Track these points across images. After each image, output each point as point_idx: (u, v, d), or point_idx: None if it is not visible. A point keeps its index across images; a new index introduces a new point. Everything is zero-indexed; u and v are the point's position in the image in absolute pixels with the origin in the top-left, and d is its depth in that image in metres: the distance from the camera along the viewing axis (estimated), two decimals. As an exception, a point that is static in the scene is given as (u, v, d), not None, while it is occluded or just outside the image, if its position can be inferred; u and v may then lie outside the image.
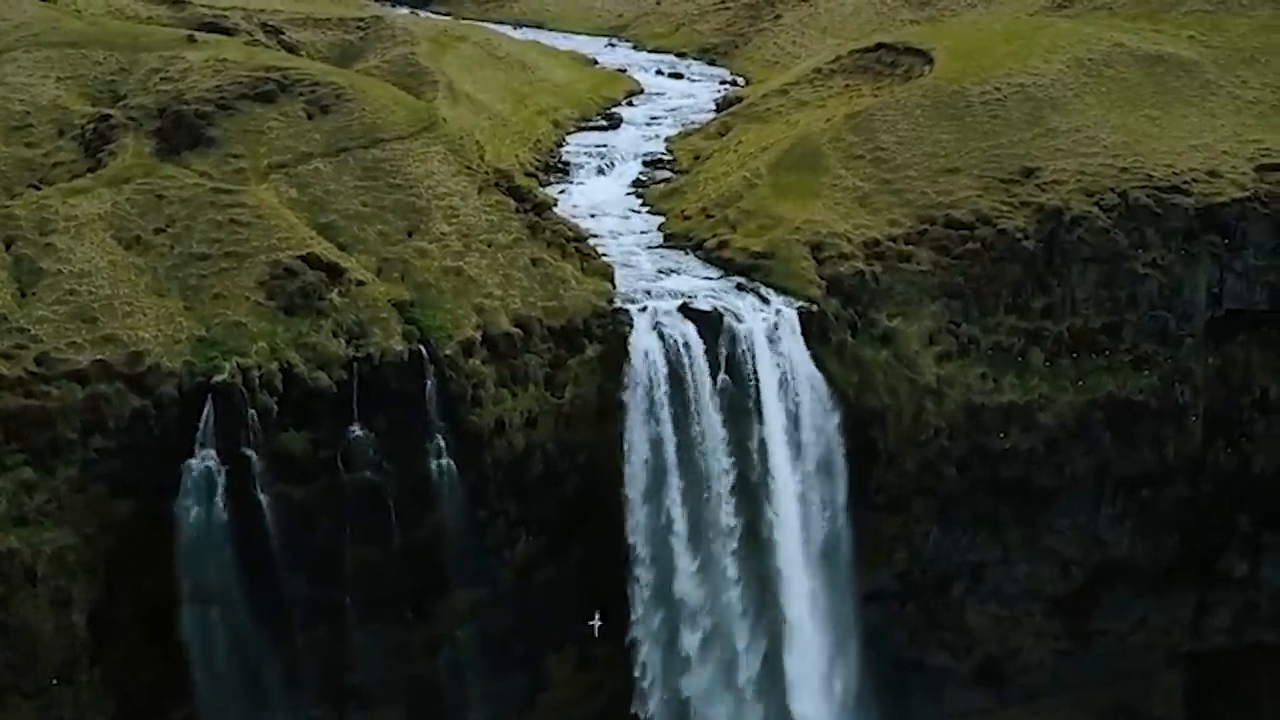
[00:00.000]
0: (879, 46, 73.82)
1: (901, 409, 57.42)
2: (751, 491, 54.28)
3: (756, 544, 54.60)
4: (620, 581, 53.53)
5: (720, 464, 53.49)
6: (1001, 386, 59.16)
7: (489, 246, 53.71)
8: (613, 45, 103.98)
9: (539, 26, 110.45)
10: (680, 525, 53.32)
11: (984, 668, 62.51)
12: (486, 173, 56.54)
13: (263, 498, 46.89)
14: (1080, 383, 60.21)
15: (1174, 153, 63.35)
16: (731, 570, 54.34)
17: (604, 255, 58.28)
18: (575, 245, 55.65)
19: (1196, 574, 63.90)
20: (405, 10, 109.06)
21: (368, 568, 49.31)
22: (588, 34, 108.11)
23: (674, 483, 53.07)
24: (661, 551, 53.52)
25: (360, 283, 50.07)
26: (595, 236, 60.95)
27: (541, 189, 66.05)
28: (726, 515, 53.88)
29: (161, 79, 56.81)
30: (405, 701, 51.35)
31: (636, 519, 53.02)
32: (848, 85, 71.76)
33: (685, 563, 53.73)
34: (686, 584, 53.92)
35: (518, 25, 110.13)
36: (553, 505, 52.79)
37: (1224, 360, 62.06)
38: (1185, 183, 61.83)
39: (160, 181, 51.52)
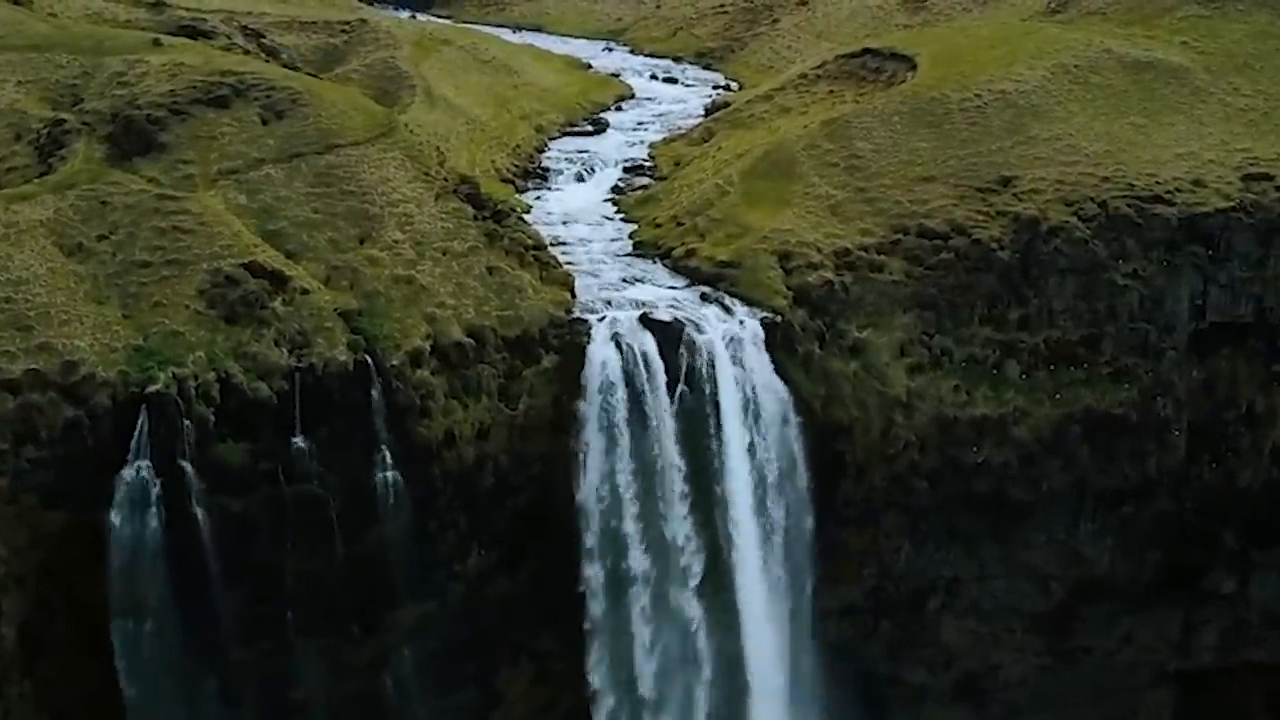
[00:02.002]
0: (865, 52, 72.81)
1: (870, 422, 56.39)
2: (709, 506, 53.20)
3: (714, 559, 53.48)
4: (575, 596, 52.48)
5: (677, 478, 52.53)
6: (975, 399, 58.13)
7: (443, 254, 52.80)
8: (610, 49, 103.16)
9: (538, 30, 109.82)
10: (635, 540, 52.38)
11: (964, 684, 61.58)
12: (445, 179, 55.55)
13: (198, 510, 46.01)
14: (1057, 395, 59.11)
15: (1158, 161, 62.16)
16: (689, 585, 53.24)
17: (570, 263, 57.45)
18: (534, 253, 54.67)
19: (1183, 591, 62.61)
20: (405, 13, 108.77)
21: (310, 581, 48.42)
22: (586, 38, 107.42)
23: (629, 496, 52.16)
24: (616, 567, 52.51)
25: (305, 291, 49.17)
26: (564, 244, 60.23)
27: (517, 195, 65.46)
28: (683, 530, 52.89)
29: (119, 83, 56.00)
30: (349, 718, 50.27)
31: (591, 533, 52.08)
32: (831, 91, 70.73)
33: (641, 578, 52.64)
34: (642, 601, 52.82)
35: (517, 29, 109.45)
36: (505, 518, 51.92)
37: (1208, 373, 60.83)
38: (1168, 192, 60.66)
39: (105, 188, 50.68)
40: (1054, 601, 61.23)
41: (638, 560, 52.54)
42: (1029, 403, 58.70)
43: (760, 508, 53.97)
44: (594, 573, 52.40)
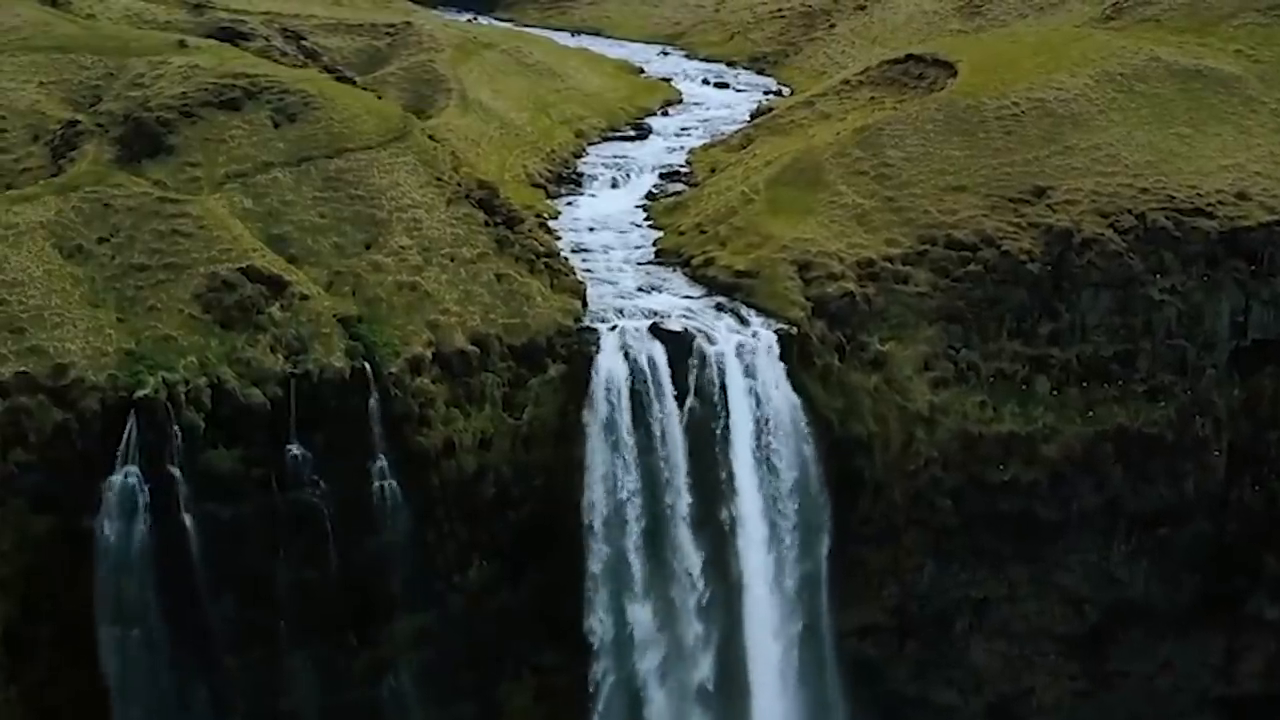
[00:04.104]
0: (909, 58, 71.21)
1: (889, 437, 55.18)
2: (717, 521, 52.10)
3: (722, 575, 52.41)
4: (579, 611, 51.57)
5: (684, 492, 51.46)
6: (1001, 415, 56.76)
7: (451, 261, 52.13)
8: (665, 53, 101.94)
9: (597, 33, 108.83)
10: (639, 556, 51.32)
11: (996, 707, 60.22)
12: (459, 184, 54.81)
13: (187, 517, 45.53)
14: (1089, 413, 57.58)
15: (1201, 173, 60.54)
16: (693, 604, 52.32)
17: (588, 271, 56.73)
18: (545, 261, 53.83)
19: (1224, 616, 60.64)
20: (466, 16, 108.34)
21: (304, 590, 47.81)
22: (644, 42, 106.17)
23: (634, 512, 51.13)
24: (620, 584, 51.57)
25: (305, 296, 48.65)
26: (586, 251, 59.52)
27: (547, 200, 64.70)
28: (690, 546, 51.88)
29: (134, 85, 55.82)
30: (343, 729, 49.84)
31: (594, 549, 51.14)
32: (872, 97, 69.26)
33: (643, 595, 51.76)
34: (645, 621, 51.99)
35: (576, 32, 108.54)
36: (507, 530, 51.06)
37: (1249, 392, 59.13)
38: (1210, 205, 59.08)
39: (109, 190, 50.38)
40: (1088, 625, 59.57)
41: (641, 576, 51.50)
42: (1059, 420, 57.21)
43: (771, 523, 52.75)
44: (597, 588, 51.37)
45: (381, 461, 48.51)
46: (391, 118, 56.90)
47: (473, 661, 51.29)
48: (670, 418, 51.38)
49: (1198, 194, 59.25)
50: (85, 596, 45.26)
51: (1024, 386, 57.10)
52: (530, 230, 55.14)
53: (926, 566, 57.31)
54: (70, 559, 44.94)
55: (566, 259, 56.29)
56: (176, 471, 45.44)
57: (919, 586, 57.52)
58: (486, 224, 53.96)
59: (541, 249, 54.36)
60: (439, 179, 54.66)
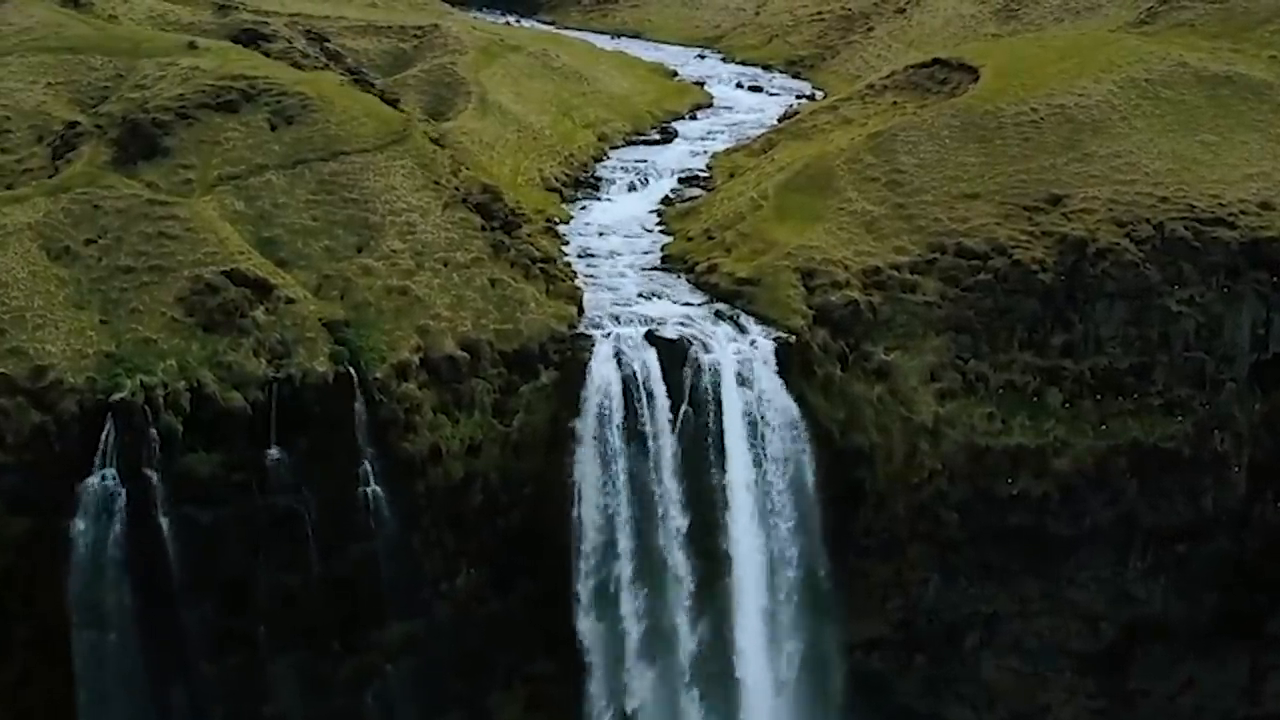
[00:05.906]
0: (934, 62, 70.11)
1: (892, 448, 54.17)
2: (711, 532, 51.27)
3: (713, 588, 51.62)
4: (570, 621, 50.96)
5: (675, 504, 50.78)
6: (1010, 428, 55.66)
7: (444, 266, 51.60)
8: (702, 57, 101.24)
9: (637, 36, 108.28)
10: (630, 567, 50.70)
11: (1011, 723, 58.69)
12: (457, 188, 54.26)
13: (164, 520, 45.25)
14: (1103, 426, 56.26)
15: (1225, 182, 59.14)
16: (686, 617, 51.55)
17: (590, 277, 56.22)
18: (541, 266, 53.21)
19: (1247, 634, 59.21)
20: (508, 19, 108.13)
21: (284, 596, 47.47)
22: (683, 45, 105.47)
23: (624, 522, 50.48)
24: (611, 595, 50.86)
25: (291, 300, 48.29)
26: (593, 256, 58.99)
27: (562, 204, 64.16)
28: (682, 556, 51.10)
29: (136, 87, 55.70)
30: (328, 737, 49.45)
31: (584, 559, 50.47)
32: (895, 102, 68.19)
33: (634, 607, 51.05)
34: (637, 633, 51.26)
35: (617, 35, 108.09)
36: (495, 537, 50.52)
37: (1271, 407, 57.60)
38: (1231, 214, 57.73)
39: (99, 191, 50.24)
40: (1105, 642, 58.33)
41: (632, 588, 50.85)
42: (1071, 433, 56.03)
43: (764, 534, 51.98)
44: (586, 599, 50.73)
45: (366, 467, 48.02)
46: (391, 121, 56.39)
47: (462, 670, 50.76)
48: (662, 427, 50.68)
49: (1219, 203, 57.89)
50: (61, 598, 45.07)
51: (1035, 398, 56.02)
52: (529, 235, 54.59)
53: (932, 580, 56.35)
54: (47, 560, 44.77)
55: (567, 264, 55.92)
56: (153, 474, 45.17)
57: (925, 600, 56.57)
58: (483, 228, 53.43)
59: (539, 254, 53.78)
60: (436, 182, 54.15)
